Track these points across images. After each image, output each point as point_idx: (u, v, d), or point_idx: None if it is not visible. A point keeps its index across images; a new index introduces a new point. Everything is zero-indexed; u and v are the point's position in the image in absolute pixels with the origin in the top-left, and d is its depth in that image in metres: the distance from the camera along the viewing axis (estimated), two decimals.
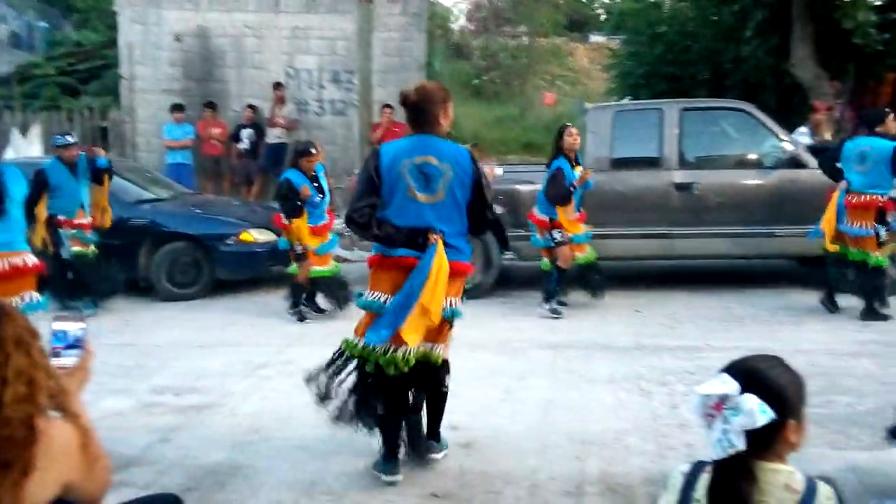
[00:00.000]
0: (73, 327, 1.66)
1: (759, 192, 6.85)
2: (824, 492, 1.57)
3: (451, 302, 3.21)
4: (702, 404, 1.56)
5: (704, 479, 1.63)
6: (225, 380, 4.78)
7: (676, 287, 7.15)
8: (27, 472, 1.35)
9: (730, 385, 1.54)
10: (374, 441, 3.71)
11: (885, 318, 5.76)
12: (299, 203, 6.06)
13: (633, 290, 7.02)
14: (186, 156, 10.84)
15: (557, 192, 5.96)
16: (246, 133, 10.95)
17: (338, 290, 6.42)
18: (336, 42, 11.81)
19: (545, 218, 6.08)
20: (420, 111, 3.20)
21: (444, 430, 3.78)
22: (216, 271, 7.17)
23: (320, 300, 6.55)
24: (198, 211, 7.75)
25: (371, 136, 10.25)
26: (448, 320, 3.26)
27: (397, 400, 3.27)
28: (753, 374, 1.59)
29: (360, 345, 3.21)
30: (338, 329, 5.92)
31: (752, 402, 1.51)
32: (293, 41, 11.81)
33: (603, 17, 25.04)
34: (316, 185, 6.24)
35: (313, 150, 6.29)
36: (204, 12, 11.73)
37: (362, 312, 3.33)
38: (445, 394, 3.46)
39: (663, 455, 3.51)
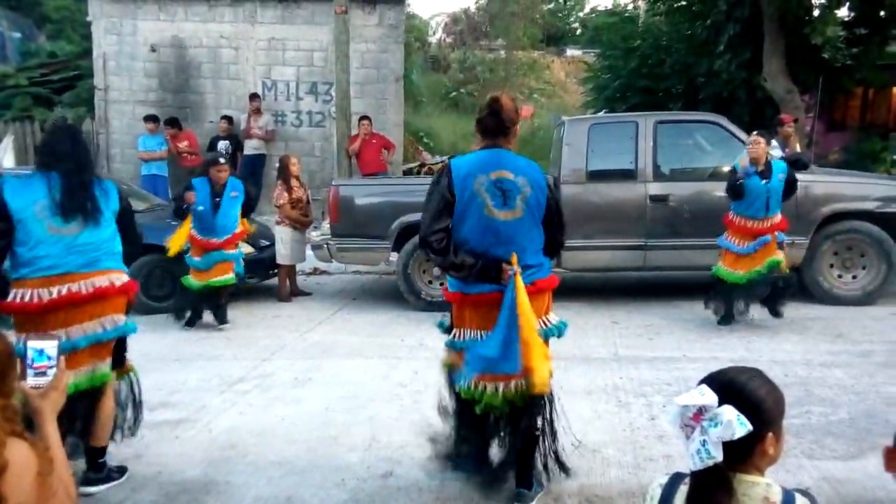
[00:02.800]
0: (47, 346, 1.63)
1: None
2: None
3: (544, 322, 3.09)
4: (680, 415, 1.57)
5: (683, 492, 1.63)
6: (200, 394, 4.72)
7: (653, 298, 7.21)
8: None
9: (708, 396, 1.55)
10: (352, 457, 3.69)
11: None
12: (184, 208, 6.32)
13: (611, 302, 7.06)
14: (161, 167, 10.73)
15: None
16: (222, 144, 10.88)
17: (206, 304, 6.50)
18: (313, 53, 11.82)
19: None
20: (503, 121, 3.04)
21: (424, 443, 3.77)
22: None
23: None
24: (173, 223, 7.65)
25: (348, 148, 10.23)
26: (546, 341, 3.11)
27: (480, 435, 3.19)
28: (732, 386, 1.60)
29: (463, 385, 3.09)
30: (315, 342, 5.93)
31: (730, 413, 1.51)
32: (270, 52, 11.80)
33: (579, 31, 25.36)
34: (217, 199, 6.27)
35: (220, 161, 6.48)
36: (179, 23, 11.68)
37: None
38: (535, 437, 3.17)
39: (641, 467, 3.53)
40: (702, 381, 1.63)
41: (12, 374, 1.44)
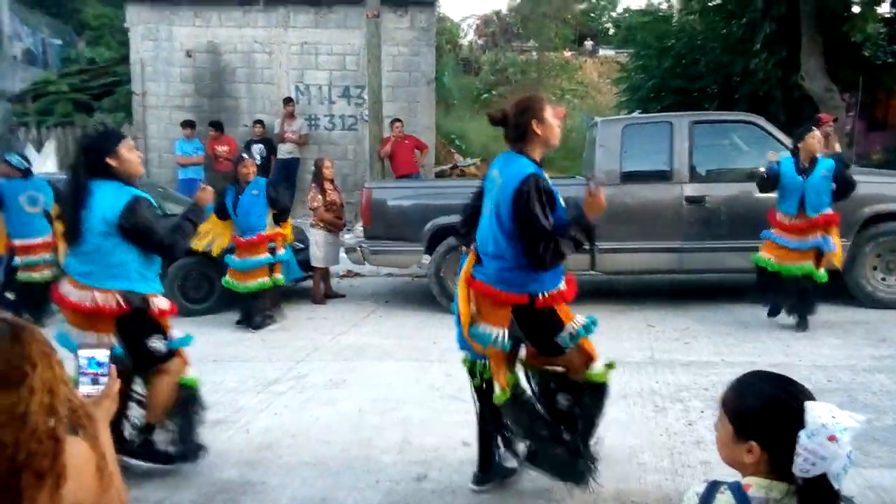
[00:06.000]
0: (99, 354, 1.67)
1: (770, 205, 6.80)
2: None
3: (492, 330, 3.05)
4: (824, 437, 1.47)
5: (721, 500, 1.60)
6: (237, 395, 4.77)
7: (689, 301, 7.10)
8: (60, 483, 1.36)
9: (847, 415, 1.50)
10: (386, 459, 3.71)
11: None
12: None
13: (646, 305, 6.97)
14: (198, 171, 10.91)
15: None
16: (256, 148, 11.02)
17: (256, 307, 6.57)
18: (345, 57, 11.91)
19: None
20: (509, 127, 3.07)
21: (457, 446, 3.77)
22: None
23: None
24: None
25: (380, 151, 10.28)
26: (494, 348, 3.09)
27: (486, 413, 3.29)
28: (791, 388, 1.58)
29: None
30: (349, 344, 5.96)
31: (849, 416, 1.48)
32: (302, 56, 11.92)
33: (612, 31, 25.17)
34: (240, 195, 6.43)
35: (244, 157, 6.75)
36: (214, 28, 11.85)
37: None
38: (573, 414, 3.20)
39: (679, 473, 3.48)
40: (737, 394, 1.61)
41: (57, 359, 1.47)
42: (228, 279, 6.54)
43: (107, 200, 3.27)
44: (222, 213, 6.47)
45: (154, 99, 11.99)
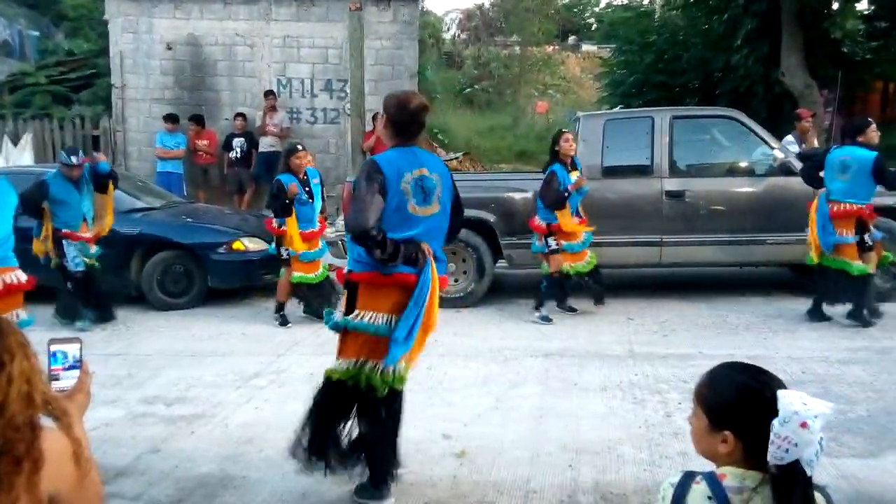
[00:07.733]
0: (69, 348, 1.64)
1: (750, 200, 6.87)
2: None
3: None
4: (797, 424, 1.48)
5: (696, 490, 1.61)
6: (216, 390, 4.74)
7: (669, 295, 7.16)
8: (38, 468, 1.37)
9: (818, 401, 1.52)
10: None
11: (868, 323, 5.79)
12: (287, 202, 6.10)
13: (626, 298, 7.01)
14: (177, 165, 10.82)
15: (551, 196, 6.10)
16: (237, 142, 10.95)
17: (317, 298, 6.42)
18: (328, 50, 11.83)
19: (543, 224, 6.17)
20: (420, 122, 3.13)
21: (438, 438, 3.77)
22: (208, 280, 7.13)
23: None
24: (189, 220, 7.71)
25: (363, 144, 10.25)
26: None
27: (385, 421, 3.26)
28: (764, 376, 1.60)
29: (378, 368, 3.09)
30: (329, 338, 5.90)
31: (826, 404, 1.49)
32: (285, 50, 11.82)
33: (594, 27, 25.24)
34: (307, 189, 6.27)
35: (300, 147, 6.39)
36: (195, 21, 11.73)
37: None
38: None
39: (657, 464, 3.51)
40: (710, 386, 1.62)
41: (32, 352, 1.47)
42: (298, 274, 6.22)
43: None
44: (287, 209, 6.11)
45: (133, 92, 11.85)
